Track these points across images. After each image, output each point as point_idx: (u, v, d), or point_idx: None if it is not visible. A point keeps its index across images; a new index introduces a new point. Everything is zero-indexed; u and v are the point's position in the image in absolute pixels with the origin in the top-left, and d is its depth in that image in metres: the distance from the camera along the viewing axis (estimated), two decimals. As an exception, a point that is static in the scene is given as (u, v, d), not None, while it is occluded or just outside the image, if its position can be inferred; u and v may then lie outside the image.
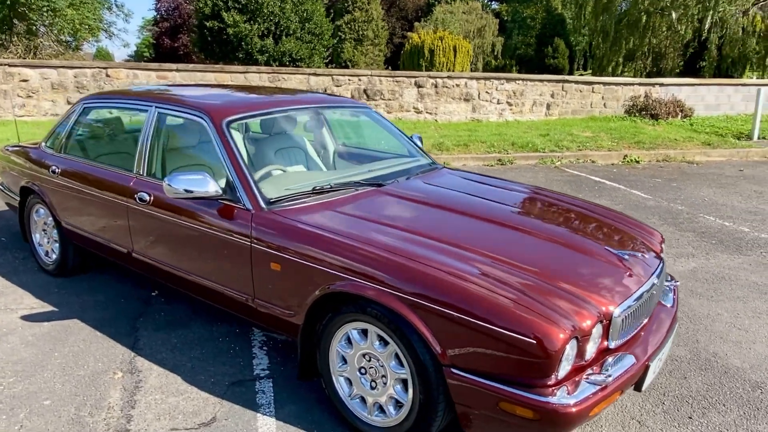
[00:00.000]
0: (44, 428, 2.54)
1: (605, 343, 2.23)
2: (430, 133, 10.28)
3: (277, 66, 16.15)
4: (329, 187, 3.00)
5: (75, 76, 10.54)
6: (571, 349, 2.03)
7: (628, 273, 2.45)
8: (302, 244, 2.51)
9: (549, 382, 2.01)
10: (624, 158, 9.36)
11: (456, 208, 2.91)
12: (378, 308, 2.29)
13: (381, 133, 3.97)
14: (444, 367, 2.16)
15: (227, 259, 2.84)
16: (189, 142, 3.56)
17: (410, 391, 2.29)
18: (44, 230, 4.20)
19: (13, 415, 2.63)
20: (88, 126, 4.06)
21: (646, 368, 2.31)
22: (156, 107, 3.38)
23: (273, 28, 17.51)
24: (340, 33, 24.28)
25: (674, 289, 2.95)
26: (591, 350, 2.14)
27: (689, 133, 11.28)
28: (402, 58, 20.73)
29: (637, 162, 9.28)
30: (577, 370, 2.11)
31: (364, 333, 2.42)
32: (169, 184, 2.73)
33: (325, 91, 11.51)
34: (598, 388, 2.09)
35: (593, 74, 23.78)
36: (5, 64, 10.20)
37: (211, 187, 2.77)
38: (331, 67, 21.19)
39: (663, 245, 3.02)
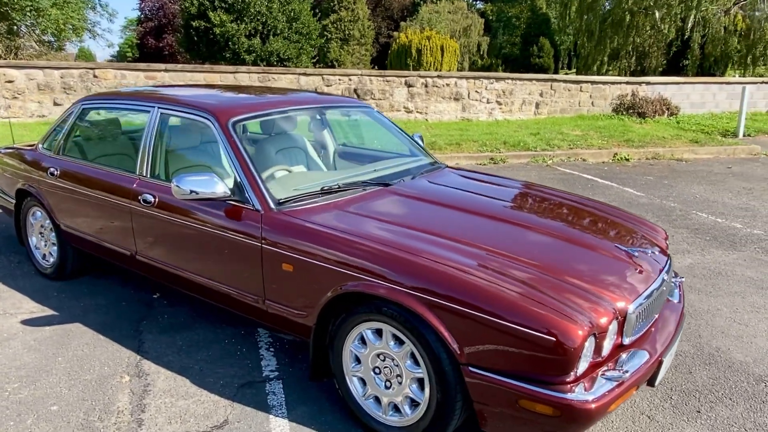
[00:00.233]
0: (54, 434, 2.51)
1: (620, 339, 2.25)
2: (421, 133, 10.28)
3: (264, 66, 16.07)
4: (337, 187, 2.99)
5: (62, 77, 10.40)
6: (589, 346, 2.05)
7: (639, 270, 2.48)
8: (316, 245, 2.50)
9: (568, 379, 2.03)
10: (614, 156, 9.46)
11: (466, 207, 2.92)
12: (394, 308, 2.28)
13: (383, 132, 3.97)
14: (462, 366, 2.16)
15: (236, 261, 2.82)
16: (192, 143, 3.53)
17: (427, 390, 2.29)
18: (41, 233, 4.14)
19: (20, 422, 2.59)
20: (88, 127, 4.01)
21: (660, 363, 2.34)
22: (159, 108, 3.34)
23: (260, 28, 17.43)
24: (326, 33, 24.25)
25: (680, 285, 2.99)
26: (607, 347, 2.16)
27: (676, 131, 11.42)
28: (389, 57, 20.75)
29: (627, 160, 9.38)
30: (594, 366, 2.13)
31: (379, 333, 2.42)
32: (177, 185, 2.71)
33: (316, 90, 11.47)
34: (615, 384, 2.11)
35: (578, 73, 24.02)
36: (-10, 65, 10.06)
37: (219, 188, 2.75)
38: (319, 67, 21.13)
39: (667, 241, 3.05)
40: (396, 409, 2.45)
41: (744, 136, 11.39)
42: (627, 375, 2.15)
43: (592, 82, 13.36)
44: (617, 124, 11.98)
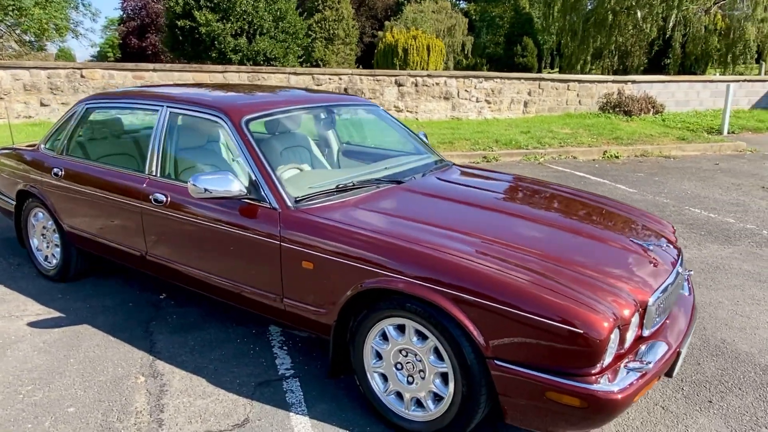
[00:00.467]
0: (74, 436, 2.49)
1: (640, 331, 2.29)
2: (413, 132, 10.33)
3: (251, 65, 15.98)
4: (352, 185, 3.00)
5: (48, 77, 10.25)
6: (614, 338, 2.09)
7: (655, 263, 2.53)
8: (337, 242, 2.51)
9: (594, 371, 2.06)
10: (604, 154, 9.57)
11: (481, 203, 2.95)
12: (418, 304, 2.30)
13: (390, 130, 3.99)
14: (488, 360, 2.19)
15: (252, 259, 2.82)
16: (203, 142, 3.51)
17: (451, 384, 2.31)
18: (43, 235, 4.09)
19: (38, 424, 2.56)
20: (92, 127, 3.97)
21: (678, 354, 2.39)
22: (168, 107, 3.32)
23: (246, 27, 17.33)
24: (311, 32, 24.17)
25: (688, 278, 3.05)
26: (630, 338, 2.20)
27: (663, 129, 11.59)
28: (376, 57, 20.77)
29: (617, 157, 9.50)
30: (618, 358, 2.17)
31: (401, 329, 2.43)
32: (194, 184, 2.70)
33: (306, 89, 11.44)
34: (638, 375, 2.15)
35: (561, 72, 24.26)
36: (-26, 65, 9.88)
37: (235, 186, 2.75)
38: (306, 67, 21.05)
39: (675, 235, 3.11)
40: (419, 404, 2.47)
41: (728, 133, 11.59)
42: (650, 366, 2.19)
43: (579, 81, 13.51)
44: (605, 122, 12.12)
